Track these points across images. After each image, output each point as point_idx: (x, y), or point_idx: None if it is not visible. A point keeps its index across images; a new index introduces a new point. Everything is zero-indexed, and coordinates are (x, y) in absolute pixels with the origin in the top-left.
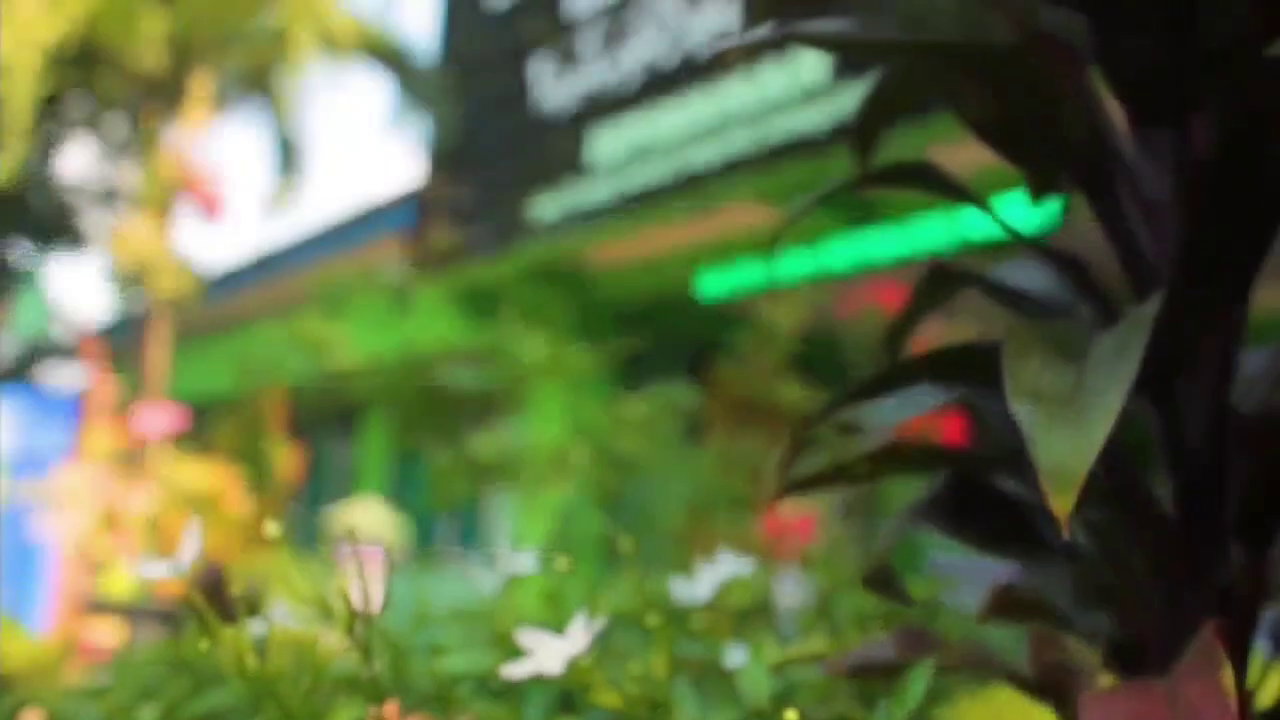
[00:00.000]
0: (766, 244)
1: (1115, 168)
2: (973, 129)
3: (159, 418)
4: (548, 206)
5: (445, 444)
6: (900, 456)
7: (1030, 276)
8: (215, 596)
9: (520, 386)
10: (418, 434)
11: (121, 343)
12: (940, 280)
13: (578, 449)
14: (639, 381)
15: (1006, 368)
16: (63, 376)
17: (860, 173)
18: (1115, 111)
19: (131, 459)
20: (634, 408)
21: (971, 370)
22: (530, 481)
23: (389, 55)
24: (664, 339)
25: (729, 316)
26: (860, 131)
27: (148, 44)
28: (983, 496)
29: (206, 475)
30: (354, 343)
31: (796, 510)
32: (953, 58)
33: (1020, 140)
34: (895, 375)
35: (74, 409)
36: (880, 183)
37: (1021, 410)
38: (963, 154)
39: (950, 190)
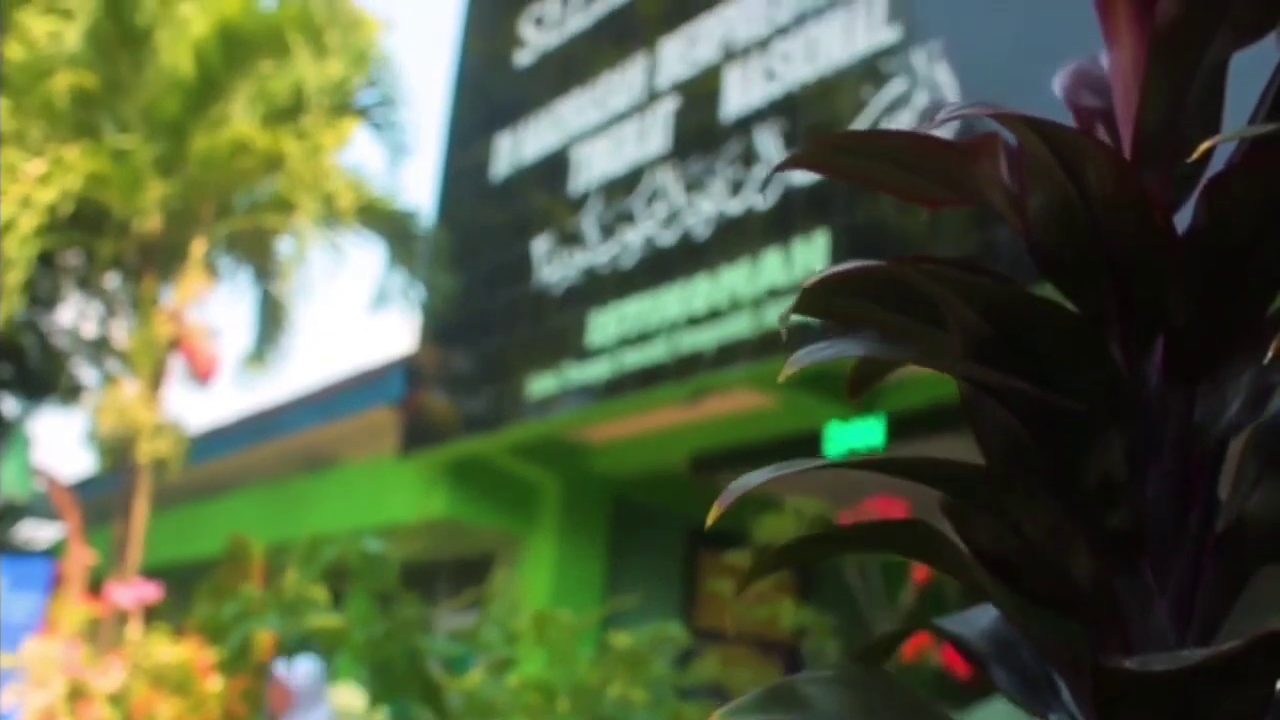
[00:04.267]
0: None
1: None
2: None
3: (132, 591)
4: (544, 382)
5: (424, 700)
6: None
7: None
8: None
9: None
10: (395, 692)
11: (100, 501)
12: None
13: (560, 699)
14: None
15: None
16: (38, 536)
17: None
18: None
19: (103, 632)
20: (622, 641)
21: None
22: None
23: (388, 223)
24: (658, 519)
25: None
26: None
27: (148, 208)
28: None
29: (179, 651)
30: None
31: None
32: None
33: None
34: None
35: (48, 575)
36: None
37: None
38: None
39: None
